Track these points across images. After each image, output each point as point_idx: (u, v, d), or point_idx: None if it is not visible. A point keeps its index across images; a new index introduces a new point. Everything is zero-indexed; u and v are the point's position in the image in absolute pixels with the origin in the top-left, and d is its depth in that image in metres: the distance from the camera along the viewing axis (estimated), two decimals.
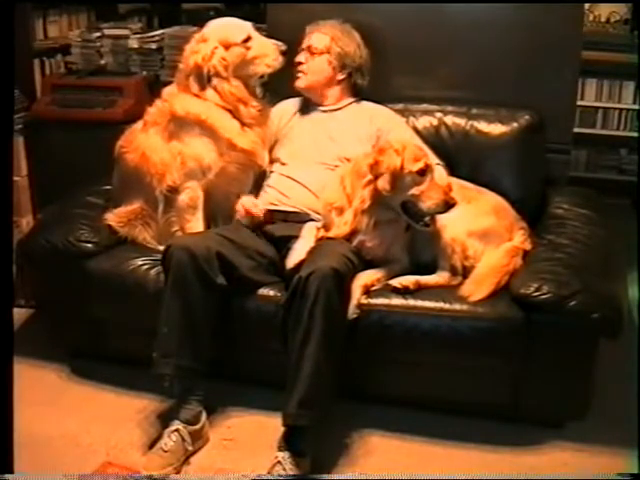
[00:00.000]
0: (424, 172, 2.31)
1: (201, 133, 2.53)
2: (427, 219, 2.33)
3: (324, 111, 2.74)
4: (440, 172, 2.51)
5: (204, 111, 2.51)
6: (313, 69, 2.70)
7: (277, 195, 2.63)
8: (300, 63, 2.71)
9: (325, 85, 2.73)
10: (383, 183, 2.30)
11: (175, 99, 2.57)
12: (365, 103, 2.78)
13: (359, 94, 2.78)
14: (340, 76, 2.72)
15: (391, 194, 2.32)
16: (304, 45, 2.74)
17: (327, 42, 2.70)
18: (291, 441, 2.17)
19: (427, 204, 2.31)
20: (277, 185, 2.65)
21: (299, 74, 2.72)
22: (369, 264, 2.41)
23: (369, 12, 2.88)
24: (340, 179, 2.46)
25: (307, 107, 2.77)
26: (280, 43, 2.59)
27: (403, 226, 2.42)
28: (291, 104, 2.82)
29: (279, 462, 2.14)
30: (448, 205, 2.30)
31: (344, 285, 2.24)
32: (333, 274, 2.16)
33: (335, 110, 2.74)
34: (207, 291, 2.28)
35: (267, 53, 2.58)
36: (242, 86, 2.57)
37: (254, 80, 2.62)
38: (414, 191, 2.31)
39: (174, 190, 2.57)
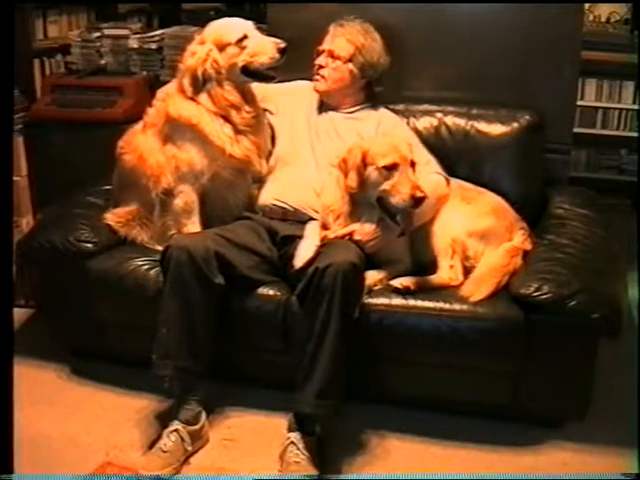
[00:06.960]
0: (392, 168, 2.31)
1: (193, 138, 2.49)
2: (398, 217, 2.33)
3: (336, 111, 2.71)
4: (439, 181, 2.51)
5: (195, 115, 2.47)
6: (333, 76, 2.64)
7: (278, 191, 2.61)
8: (320, 67, 2.66)
9: (343, 92, 2.68)
10: (350, 181, 2.35)
11: (170, 100, 2.53)
12: (381, 110, 2.73)
13: (375, 99, 2.74)
14: (359, 84, 2.68)
15: (358, 191, 2.34)
16: (325, 47, 2.67)
17: (351, 51, 2.62)
18: (303, 423, 2.22)
19: (396, 199, 2.30)
20: (279, 181, 2.63)
21: (318, 78, 2.67)
22: (371, 265, 2.40)
23: (369, 13, 2.87)
24: (337, 180, 2.46)
25: (320, 103, 2.73)
26: (279, 40, 2.50)
27: (393, 225, 2.41)
28: (308, 90, 2.74)
29: (292, 442, 2.18)
30: (415, 199, 2.28)
31: (361, 279, 2.28)
32: (352, 268, 2.18)
33: (347, 112, 2.71)
34: (206, 291, 2.27)
35: (263, 51, 2.49)
36: (235, 91, 2.51)
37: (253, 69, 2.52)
38: (385, 186, 2.32)
39: (169, 193, 2.55)
